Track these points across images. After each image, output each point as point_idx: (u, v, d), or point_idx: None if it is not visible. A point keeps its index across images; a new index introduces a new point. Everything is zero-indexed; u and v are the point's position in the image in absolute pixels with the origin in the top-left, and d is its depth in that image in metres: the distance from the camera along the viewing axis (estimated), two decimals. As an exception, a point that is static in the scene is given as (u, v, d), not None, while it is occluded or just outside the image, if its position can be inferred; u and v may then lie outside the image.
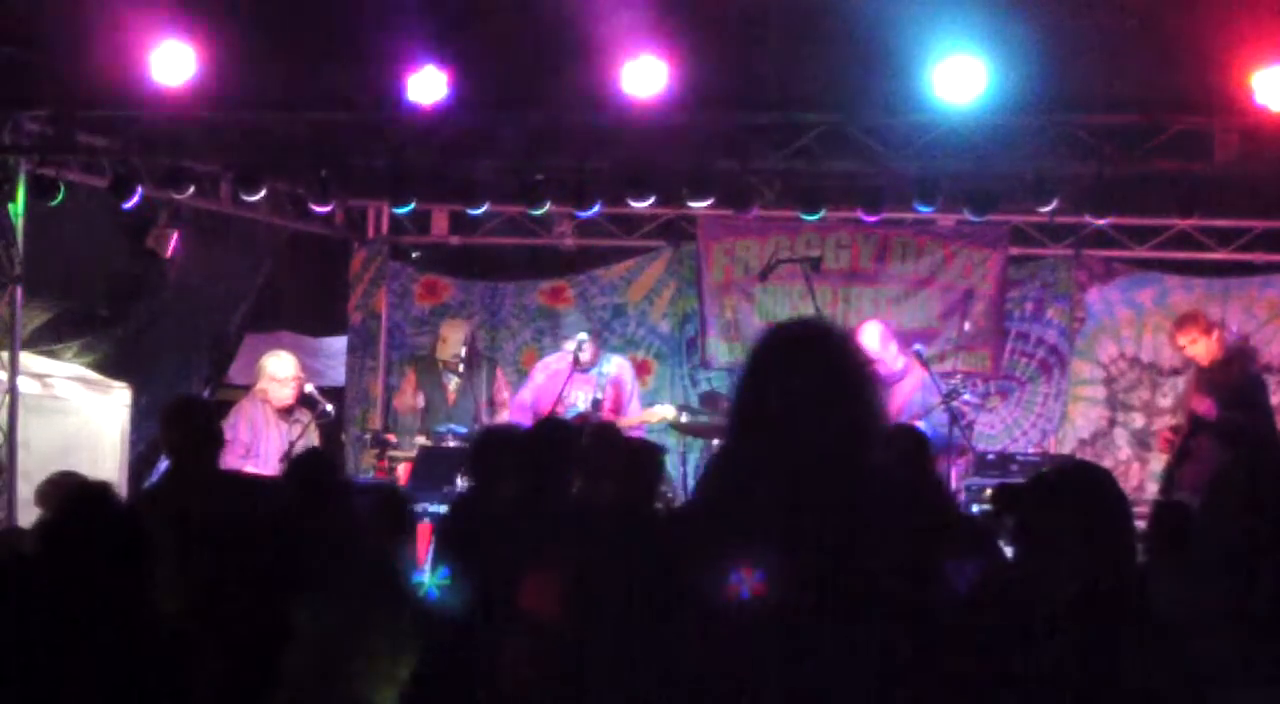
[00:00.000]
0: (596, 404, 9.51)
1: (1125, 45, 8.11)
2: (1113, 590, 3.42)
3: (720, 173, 9.24)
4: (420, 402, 9.84)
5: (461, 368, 9.73)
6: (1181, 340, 9.18)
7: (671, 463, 9.01)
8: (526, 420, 9.42)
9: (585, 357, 9.44)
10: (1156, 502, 7.31)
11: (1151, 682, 3.31)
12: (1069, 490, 3.55)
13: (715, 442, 9.61)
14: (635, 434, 9.25)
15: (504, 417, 9.83)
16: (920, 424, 8.92)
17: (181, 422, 5.69)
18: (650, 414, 9.51)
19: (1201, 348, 9.05)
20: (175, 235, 9.95)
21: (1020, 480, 7.80)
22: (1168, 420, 10.17)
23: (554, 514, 5.21)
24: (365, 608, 4.50)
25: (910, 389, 9.14)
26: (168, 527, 4.50)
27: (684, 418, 9.75)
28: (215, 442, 5.72)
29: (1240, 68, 7.88)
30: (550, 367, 9.69)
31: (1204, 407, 8.78)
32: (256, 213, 10.68)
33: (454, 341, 9.82)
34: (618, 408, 9.53)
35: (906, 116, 8.73)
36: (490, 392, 9.88)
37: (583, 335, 9.74)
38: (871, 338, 9.30)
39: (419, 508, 8.08)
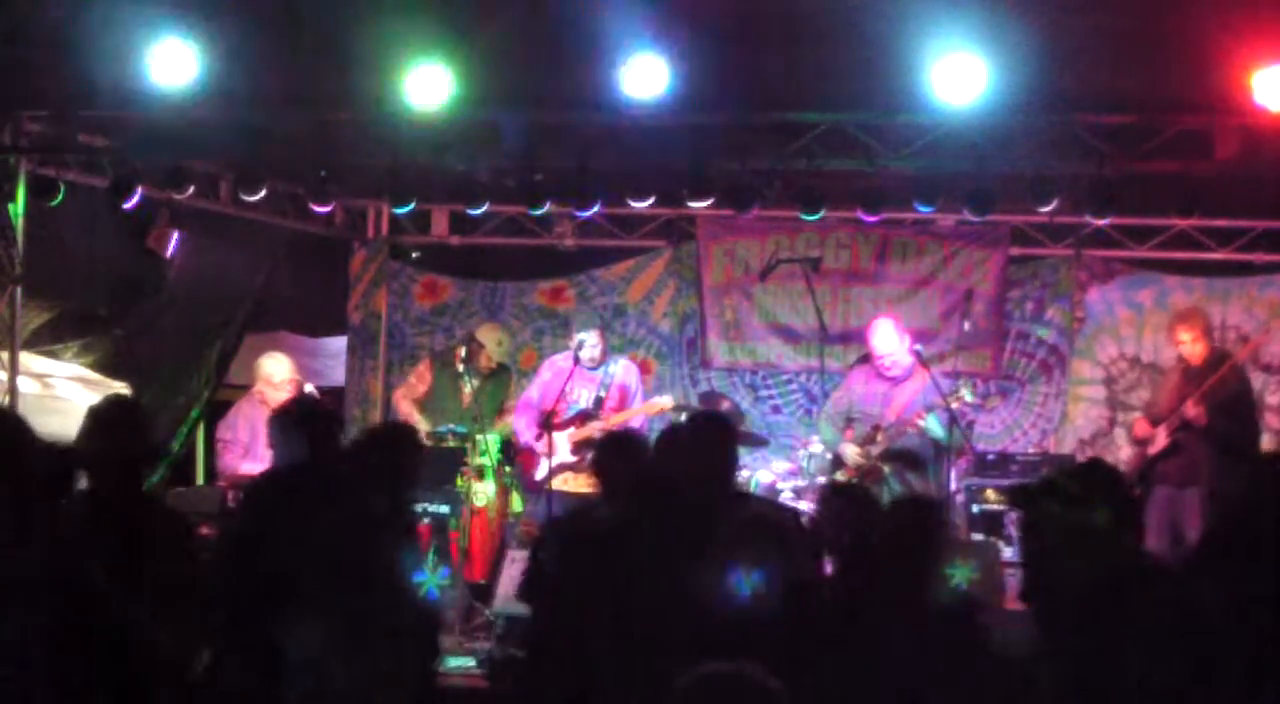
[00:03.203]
0: (599, 402, 9.49)
1: (1125, 45, 8.10)
2: (1119, 589, 3.43)
3: (720, 173, 9.24)
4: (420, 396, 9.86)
5: (465, 370, 9.72)
6: (1182, 335, 9.09)
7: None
8: (533, 417, 9.45)
9: (588, 354, 9.42)
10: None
11: (1155, 679, 3.31)
12: (1078, 489, 3.56)
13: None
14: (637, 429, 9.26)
15: (507, 420, 9.83)
16: (928, 417, 8.89)
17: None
18: (650, 406, 9.48)
19: (1199, 349, 9.03)
20: (175, 235, 9.95)
21: (1028, 480, 7.80)
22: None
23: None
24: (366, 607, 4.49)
25: (915, 390, 9.12)
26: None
27: (683, 418, 9.72)
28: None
29: (1240, 68, 7.87)
30: (557, 365, 9.67)
31: (1194, 412, 8.75)
32: (256, 213, 10.67)
33: (504, 345, 9.96)
34: (621, 408, 9.52)
35: (906, 116, 8.72)
36: (499, 401, 9.90)
37: (582, 335, 9.73)
38: (887, 334, 9.24)
39: (419, 507, 8.10)
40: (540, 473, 9.29)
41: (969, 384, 9.10)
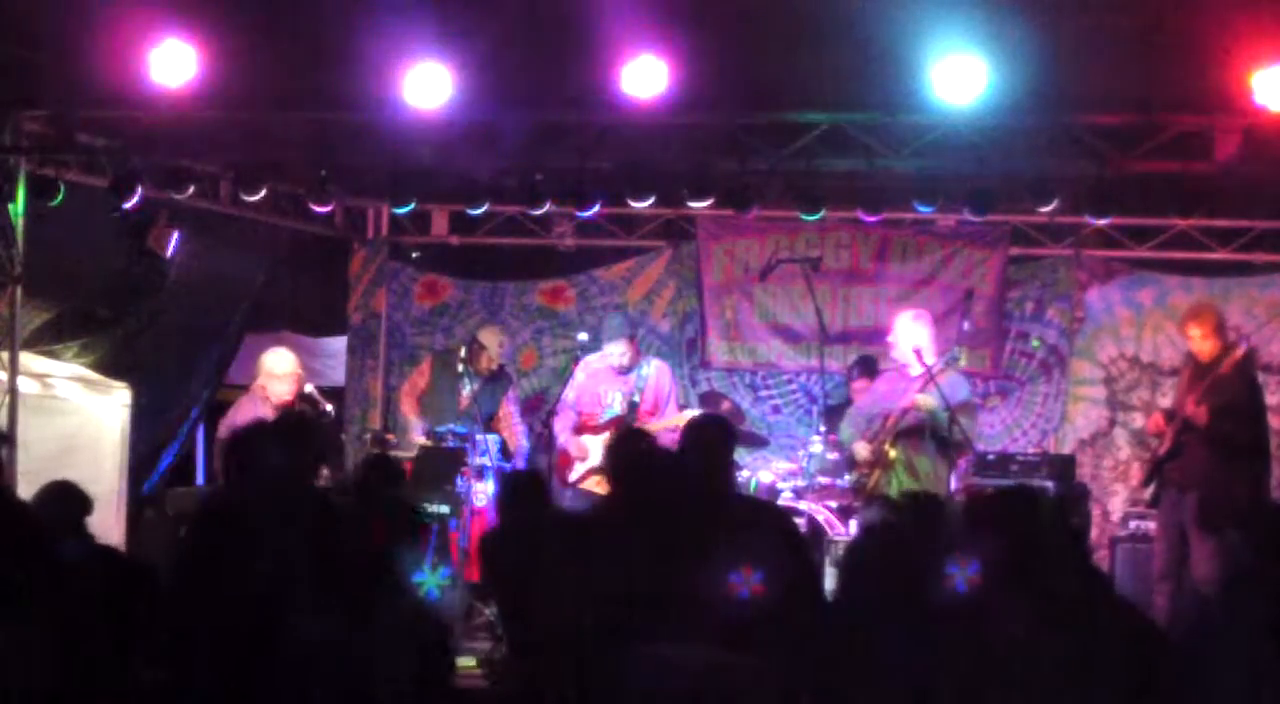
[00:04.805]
0: (633, 407, 9.50)
1: (1125, 45, 8.10)
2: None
3: (720, 173, 9.24)
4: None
5: (464, 371, 9.74)
6: (1192, 331, 8.82)
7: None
8: (570, 420, 9.50)
9: (615, 362, 9.50)
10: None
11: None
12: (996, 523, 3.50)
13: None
14: (669, 436, 9.26)
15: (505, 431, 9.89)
16: (920, 397, 8.87)
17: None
18: (682, 418, 9.42)
19: (1208, 346, 8.81)
20: (175, 235, 9.95)
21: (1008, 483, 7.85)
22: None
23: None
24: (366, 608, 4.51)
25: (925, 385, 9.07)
26: None
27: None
28: None
29: (1240, 68, 7.87)
30: (591, 366, 9.68)
31: (1192, 412, 8.60)
32: (256, 213, 10.68)
33: (504, 347, 10.13)
34: (655, 410, 9.52)
35: (906, 116, 8.72)
36: (497, 405, 9.90)
37: (582, 335, 9.75)
38: (904, 325, 9.18)
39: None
40: (574, 474, 9.42)
41: (961, 351, 9.16)
